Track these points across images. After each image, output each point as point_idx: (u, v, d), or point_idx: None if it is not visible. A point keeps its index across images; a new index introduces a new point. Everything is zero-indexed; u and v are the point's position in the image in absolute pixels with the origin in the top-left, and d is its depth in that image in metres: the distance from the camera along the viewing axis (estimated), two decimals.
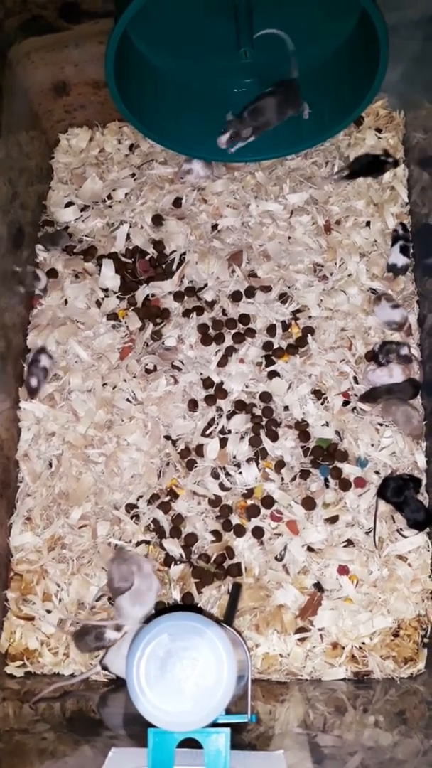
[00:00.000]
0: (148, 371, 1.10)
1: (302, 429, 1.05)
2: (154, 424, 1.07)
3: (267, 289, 1.13)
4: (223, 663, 0.63)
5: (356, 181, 1.18)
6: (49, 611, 1.01)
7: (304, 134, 1.18)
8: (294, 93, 1.12)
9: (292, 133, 1.18)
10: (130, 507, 1.04)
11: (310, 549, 1.01)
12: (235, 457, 1.05)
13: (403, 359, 1.05)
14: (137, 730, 0.77)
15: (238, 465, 1.05)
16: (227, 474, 1.04)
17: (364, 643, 0.98)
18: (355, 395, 1.07)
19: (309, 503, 1.01)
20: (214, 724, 0.64)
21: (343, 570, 0.99)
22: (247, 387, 1.08)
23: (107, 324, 1.14)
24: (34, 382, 1.09)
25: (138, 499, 1.05)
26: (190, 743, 0.64)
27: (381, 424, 1.05)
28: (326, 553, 1.00)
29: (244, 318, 1.11)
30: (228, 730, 0.64)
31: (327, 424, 1.06)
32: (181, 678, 0.63)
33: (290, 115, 1.13)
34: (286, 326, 1.11)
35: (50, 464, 1.08)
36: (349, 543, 1.01)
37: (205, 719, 0.63)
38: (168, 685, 0.63)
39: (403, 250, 1.11)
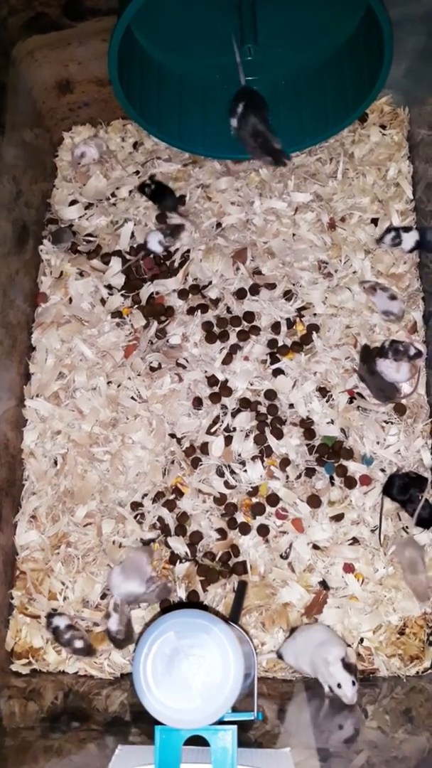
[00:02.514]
0: (152, 369, 1.10)
1: (307, 427, 1.05)
2: (158, 422, 1.07)
3: (271, 286, 1.13)
4: (230, 660, 0.63)
5: (360, 177, 1.18)
6: (54, 610, 1.01)
7: (308, 131, 1.18)
8: (259, 101, 1.11)
9: (296, 130, 1.18)
10: (135, 505, 1.04)
11: (315, 547, 1.01)
12: (240, 455, 1.05)
13: (412, 358, 1.04)
14: (144, 727, 0.77)
15: (243, 463, 1.05)
16: (232, 472, 1.04)
17: (369, 641, 0.97)
18: (360, 394, 1.07)
19: (314, 501, 1.01)
20: (221, 722, 0.64)
21: (348, 568, 0.99)
22: (251, 385, 1.08)
23: (112, 322, 1.14)
24: (80, 643, 0.96)
25: (143, 497, 1.05)
26: (197, 741, 0.64)
27: (386, 422, 1.05)
28: (332, 551, 1.00)
29: (249, 315, 1.11)
30: (235, 727, 0.64)
31: (332, 422, 1.05)
32: (188, 675, 0.63)
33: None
34: (290, 324, 1.11)
35: (55, 462, 1.08)
36: (355, 541, 1.01)
37: (212, 717, 0.63)
38: (175, 682, 0.63)
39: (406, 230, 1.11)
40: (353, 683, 0.85)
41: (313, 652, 0.89)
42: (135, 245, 1.18)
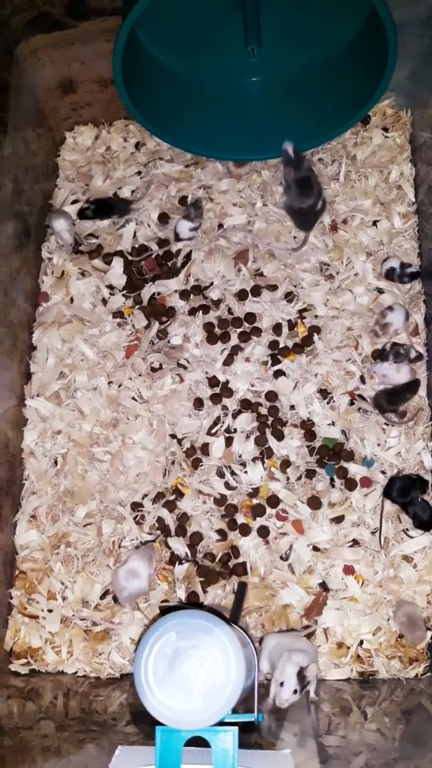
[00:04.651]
0: (153, 369, 1.10)
1: (308, 428, 1.05)
2: (159, 423, 1.07)
3: (273, 287, 1.13)
4: (231, 661, 0.63)
5: (362, 180, 1.18)
6: (50, 610, 1.01)
7: (310, 133, 1.18)
8: None
9: (298, 131, 1.18)
10: (135, 505, 1.04)
11: (315, 548, 1.00)
12: (240, 456, 1.05)
13: (412, 361, 1.05)
14: (144, 728, 0.77)
15: (243, 464, 1.04)
16: (233, 473, 1.04)
17: (369, 643, 0.97)
18: (361, 396, 1.07)
19: (314, 503, 1.01)
20: (221, 723, 0.64)
21: (348, 570, 0.99)
22: (252, 386, 1.08)
23: (113, 322, 1.14)
24: None
25: (143, 498, 1.05)
26: (198, 742, 0.63)
27: (387, 424, 1.05)
28: (332, 552, 1.00)
29: (250, 317, 1.11)
30: (236, 728, 0.64)
31: (333, 424, 1.05)
32: (189, 676, 0.63)
33: None
34: (292, 325, 1.11)
35: (55, 462, 1.08)
36: (355, 543, 1.01)
37: (213, 718, 0.63)
38: (176, 683, 0.63)
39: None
40: (294, 691, 0.84)
41: (281, 651, 0.88)
42: (137, 245, 1.18)
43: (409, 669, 0.96)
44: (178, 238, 1.16)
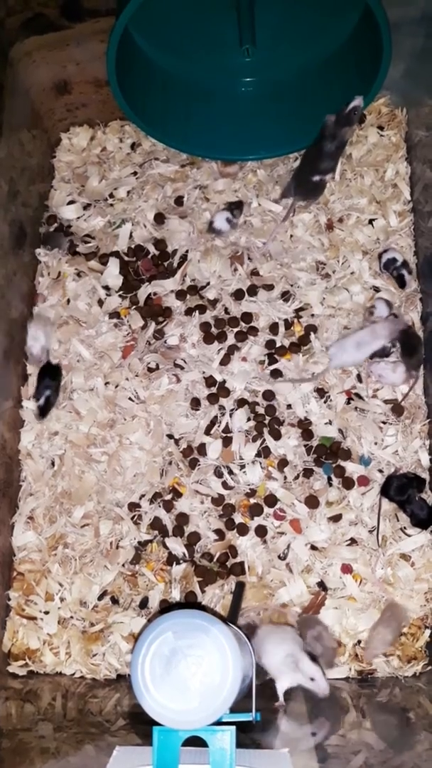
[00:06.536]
0: (150, 370, 1.10)
1: (305, 427, 1.05)
2: (156, 423, 1.07)
3: (269, 287, 1.13)
4: (229, 661, 0.63)
5: (358, 179, 1.18)
6: (46, 612, 1.01)
7: (305, 132, 1.18)
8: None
9: (294, 131, 1.18)
10: (132, 506, 1.04)
11: (313, 548, 1.00)
12: (241, 458, 1.05)
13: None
14: (142, 728, 0.77)
15: (242, 463, 1.04)
16: (230, 472, 1.04)
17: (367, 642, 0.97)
18: (358, 395, 1.07)
19: (312, 502, 1.01)
20: (219, 723, 0.64)
21: (346, 569, 0.99)
22: (249, 385, 1.08)
23: (109, 323, 1.14)
24: None
25: (140, 498, 1.04)
26: (196, 741, 0.63)
27: (384, 422, 1.05)
28: (329, 551, 1.00)
29: (247, 316, 1.11)
30: (233, 728, 0.63)
31: (330, 423, 1.05)
32: (187, 676, 0.63)
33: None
34: (288, 324, 1.11)
35: (53, 463, 1.07)
36: (353, 542, 1.00)
37: (210, 717, 0.63)
38: (173, 683, 0.63)
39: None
40: (323, 674, 0.86)
41: (277, 652, 0.89)
42: (133, 246, 1.18)
43: (407, 667, 0.96)
44: (210, 226, 1.15)
